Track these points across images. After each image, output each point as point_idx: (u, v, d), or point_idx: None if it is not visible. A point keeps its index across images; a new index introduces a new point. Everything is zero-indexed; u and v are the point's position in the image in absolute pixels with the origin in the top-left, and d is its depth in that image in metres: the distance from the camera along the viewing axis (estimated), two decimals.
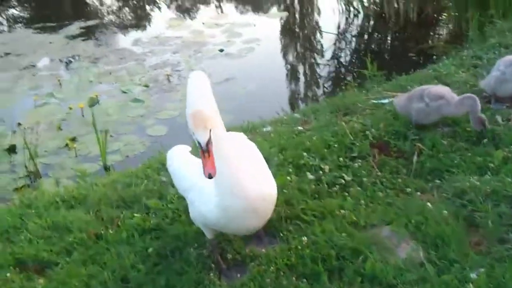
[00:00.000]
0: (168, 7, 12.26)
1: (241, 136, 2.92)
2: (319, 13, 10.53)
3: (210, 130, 2.17)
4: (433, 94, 3.62)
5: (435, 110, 3.61)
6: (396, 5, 8.57)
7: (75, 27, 10.30)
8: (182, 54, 8.34)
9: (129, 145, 5.83)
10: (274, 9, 11.10)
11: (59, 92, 7.28)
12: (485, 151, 3.36)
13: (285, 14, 10.35)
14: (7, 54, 9.13)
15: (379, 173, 3.37)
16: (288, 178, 3.31)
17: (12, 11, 12.75)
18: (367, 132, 3.77)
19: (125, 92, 7.11)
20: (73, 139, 6.01)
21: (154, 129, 6.12)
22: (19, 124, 6.43)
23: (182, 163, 2.85)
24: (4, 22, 11.92)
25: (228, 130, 2.45)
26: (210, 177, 2.15)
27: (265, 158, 2.77)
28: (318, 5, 10.92)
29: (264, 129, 4.12)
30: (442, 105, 3.58)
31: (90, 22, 10.80)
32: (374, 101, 4.41)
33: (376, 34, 8.86)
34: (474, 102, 3.46)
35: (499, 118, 3.70)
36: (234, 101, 6.53)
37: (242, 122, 4.50)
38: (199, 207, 2.55)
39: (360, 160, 3.49)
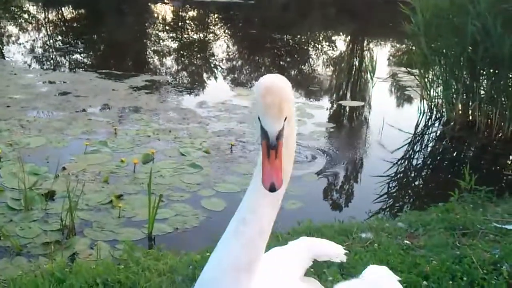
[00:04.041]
0: (238, 76, 12.02)
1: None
2: (398, 109, 9.95)
3: (285, 120, 1.40)
4: None
5: None
6: (488, 115, 7.82)
7: (140, 79, 10.05)
8: (249, 125, 7.72)
9: (180, 215, 5.06)
10: (347, 97, 10.60)
11: (113, 142, 6.72)
12: None
13: (360, 103, 9.77)
14: (66, 93, 8.79)
15: None
16: None
17: (77, 56, 12.72)
18: (502, 267, 2.91)
19: (183, 155, 6.48)
20: (119, 197, 5.31)
21: (210, 202, 5.35)
22: (64, 168, 5.83)
23: None
24: (67, 64, 11.79)
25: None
26: (272, 189, 1.35)
27: None
28: (395, 100, 10.42)
29: (363, 235, 3.30)
30: None
31: (157, 77, 10.58)
32: (497, 225, 3.57)
33: (462, 141, 8.01)
34: None
35: None
36: (304, 187, 5.76)
37: (333, 221, 3.71)
38: None
39: None
